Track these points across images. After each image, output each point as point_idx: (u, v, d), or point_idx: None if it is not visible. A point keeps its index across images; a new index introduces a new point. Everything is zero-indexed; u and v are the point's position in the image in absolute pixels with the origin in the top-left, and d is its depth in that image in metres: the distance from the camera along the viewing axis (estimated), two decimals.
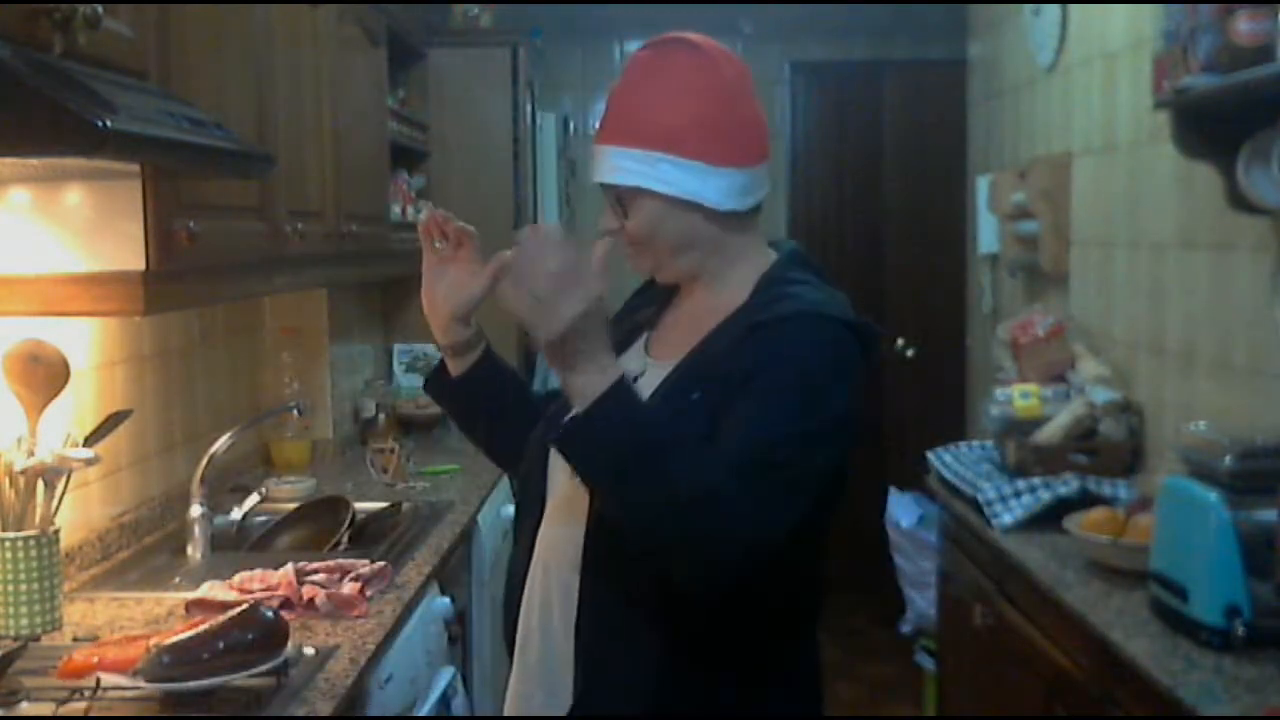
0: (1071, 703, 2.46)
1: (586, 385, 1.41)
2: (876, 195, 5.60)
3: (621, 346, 1.66)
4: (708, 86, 1.59)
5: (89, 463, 2.19)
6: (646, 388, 1.58)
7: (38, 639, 2.12)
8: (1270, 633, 2.06)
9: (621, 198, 1.62)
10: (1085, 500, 2.96)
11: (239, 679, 1.81)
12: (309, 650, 2.04)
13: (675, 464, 1.41)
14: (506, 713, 1.71)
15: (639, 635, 1.54)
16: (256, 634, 1.84)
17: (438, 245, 1.71)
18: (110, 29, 1.74)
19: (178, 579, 2.54)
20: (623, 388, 1.42)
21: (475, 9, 4.76)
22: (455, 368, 1.78)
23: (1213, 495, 2.12)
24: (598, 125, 1.66)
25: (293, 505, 3.06)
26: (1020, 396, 3.41)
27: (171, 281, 2.05)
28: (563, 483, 1.64)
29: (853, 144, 5.84)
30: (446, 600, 2.66)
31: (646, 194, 1.60)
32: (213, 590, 2.28)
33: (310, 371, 3.77)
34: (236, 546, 2.84)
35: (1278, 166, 2.30)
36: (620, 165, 1.60)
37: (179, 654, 1.79)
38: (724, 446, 1.45)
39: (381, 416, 4.12)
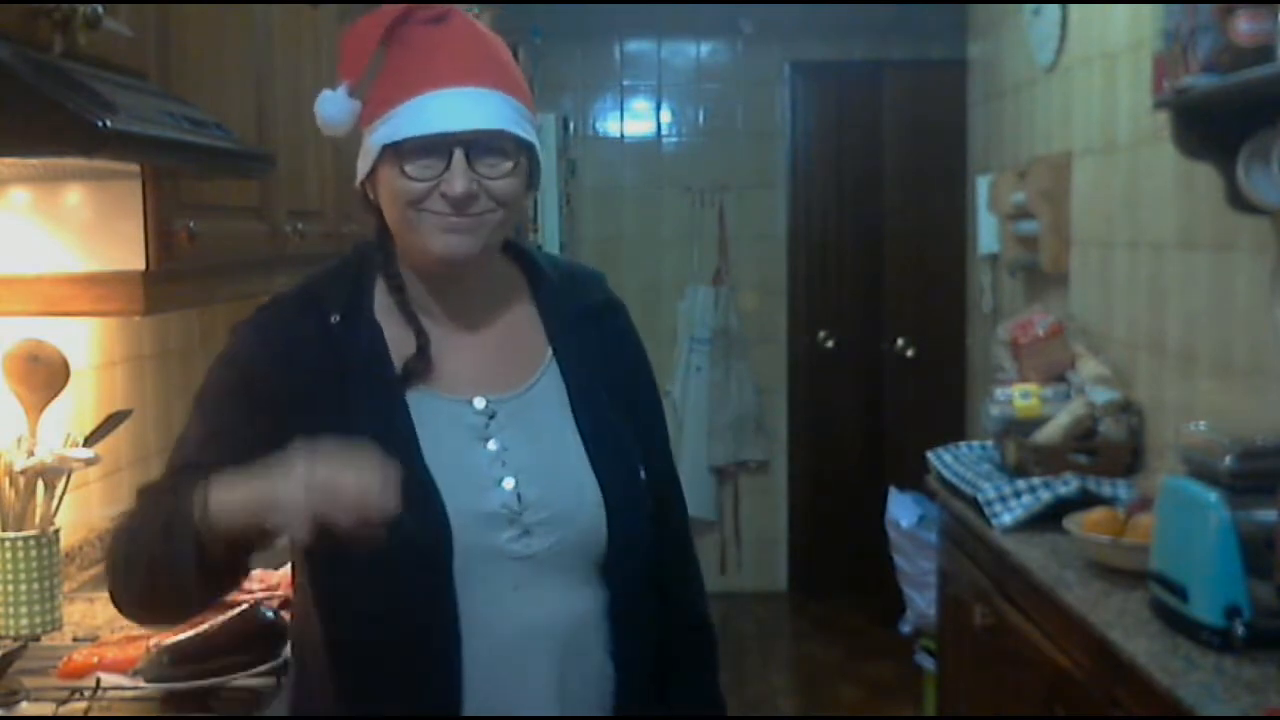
0: (1071, 703, 2.46)
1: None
2: (876, 195, 5.59)
3: (380, 394, 1.40)
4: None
5: (89, 463, 2.20)
6: (519, 423, 1.44)
7: (38, 639, 2.12)
8: (1270, 633, 2.06)
9: (502, 152, 1.39)
10: (1085, 500, 2.96)
11: (239, 679, 1.82)
12: None
13: None
14: None
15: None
16: (256, 634, 1.84)
17: None
18: (110, 29, 1.74)
19: None
20: None
21: (475, 9, 4.72)
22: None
23: (1213, 495, 2.12)
24: (431, 65, 1.38)
25: None
26: (1020, 396, 3.41)
27: (171, 281, 2.05)
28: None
29: (853, 144, 5.84)
30: None
31: (524, 154, 1.43)
32: None
33: None
34: None
35: (1278, 166, 2.30)
36: (505, 114, 1.39)
37: (179, 654, 1.79)
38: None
39: None
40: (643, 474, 1.49)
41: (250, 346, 1.44)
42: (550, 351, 1.50)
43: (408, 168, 1.38)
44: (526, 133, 1.41)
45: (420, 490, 1.35)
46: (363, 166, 1.44)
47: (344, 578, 1.40)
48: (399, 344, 1.43)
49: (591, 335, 1.52)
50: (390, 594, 1.38)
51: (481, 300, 1.49)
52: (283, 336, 1.43)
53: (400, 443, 1.36)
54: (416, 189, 1.38)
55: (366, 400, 1.39)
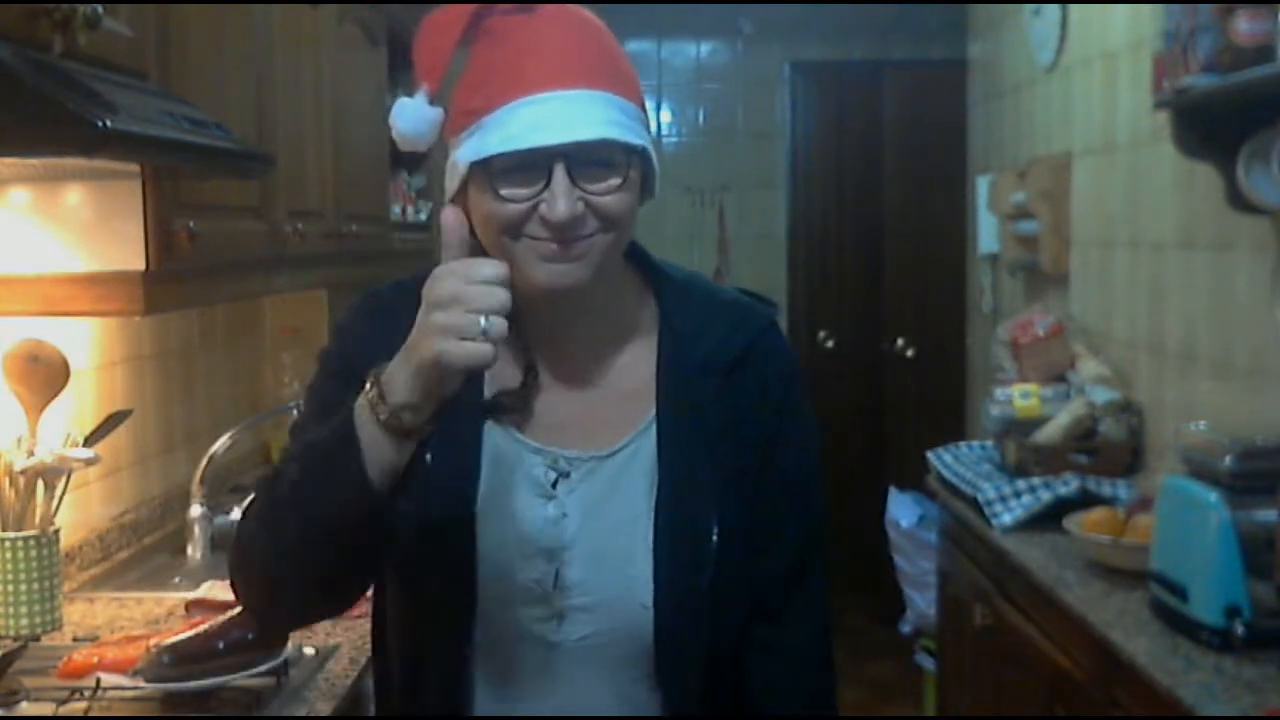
0: (1071, 703, 2.46)
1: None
2: (876, 195, 5.59)
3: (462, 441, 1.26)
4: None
5: (89, 463, 2.20)
6: (591, 490, 1.27)
7: (38, 639, 2.12)
8: (1270, 633, 2.06)
9: (609, 164, 1.20)
10: (1085, 500, 2.96)
11: (239, 679, 1.82)
12: (309, 650, 2.04)
13: None
14: None
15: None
16: (256, 634, 1.84)
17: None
18: (110, 29, 1.74)
19: (178, 579, 2.54)
20: None
21: None
22: (403, 451, 1.15)
23: (1213, 495, 2.12)
24: (521, 64, 1.19)
25: None
26: (1020, 396, 3.41)
27: (171, 281, 2.05)
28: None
29: (853, 144, 5.84)
30: None
31: (635, 161, 1.23)
32: (213, 590, 2.28)
33: (310, 371, 3.74)
34: None
35: (1278, 166, 2.30)
36: (610, 118, 1.19)
37: (179, 654, 1.79)
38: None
39: None
40: (720, 569, 1.27)
41: (350, 322, 1.36)
42: (654, 412, 1.29)
43: (501, 189, 1.18)
44: (637, 136, 1.21)
45: (457, 534, 1.24)
46: (451, 184, 1.25)
47: (395, 599, 1.34)
48: (499, 367, 1.22)
49: (712, 394, 1.30)
50: (416, 625, 1.32)
51: (594, 334, 1.30)
52: (382, 318, 1.29)
53: (460, 471, 1.25)
54: (512, 212, 1.19)
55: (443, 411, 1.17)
